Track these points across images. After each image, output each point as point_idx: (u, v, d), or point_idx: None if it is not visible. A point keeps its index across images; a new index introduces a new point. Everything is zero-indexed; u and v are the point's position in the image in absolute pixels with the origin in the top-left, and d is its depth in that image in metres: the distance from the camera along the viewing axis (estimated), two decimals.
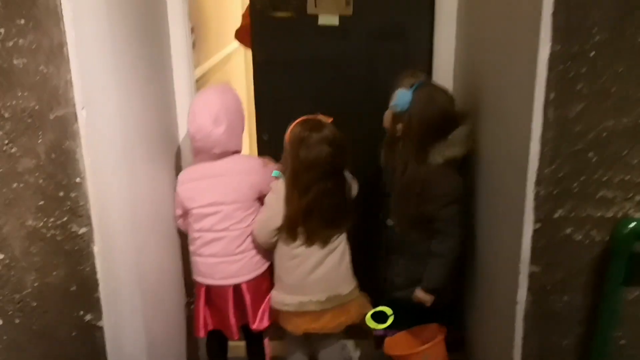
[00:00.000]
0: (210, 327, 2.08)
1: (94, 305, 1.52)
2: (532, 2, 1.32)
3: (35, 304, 1.49)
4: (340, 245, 1.98)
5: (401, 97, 1.88)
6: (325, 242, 1.95)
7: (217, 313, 2.06)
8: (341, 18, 2.24)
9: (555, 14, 1.28)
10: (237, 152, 2.04)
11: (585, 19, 1.28)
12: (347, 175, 2.00)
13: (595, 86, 1.32)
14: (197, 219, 1.99)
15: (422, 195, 1.88)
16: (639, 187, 1.38)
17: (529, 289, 1.48)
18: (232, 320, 2.03)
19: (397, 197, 1.98)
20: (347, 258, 2.02)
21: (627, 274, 1.41)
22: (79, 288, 1.51)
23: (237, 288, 2.01)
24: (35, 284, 1.48)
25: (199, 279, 2.05)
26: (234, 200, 1.97)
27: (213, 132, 1.91)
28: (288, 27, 2.26)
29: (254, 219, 2.00)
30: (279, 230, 1.95)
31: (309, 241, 1.94)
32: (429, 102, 1.86)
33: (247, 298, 2.02)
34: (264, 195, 2.01)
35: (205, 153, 1.97)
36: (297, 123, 1.94)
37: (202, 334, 2.07)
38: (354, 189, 2.03)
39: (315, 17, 2.24)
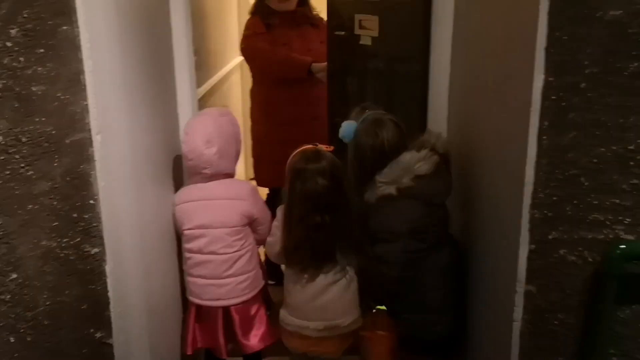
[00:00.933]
0: (198, 345, 2.09)
1: (105, 323, 1.56)
2: (527, 36, 1.38)
3: (47, 322, 1.52)
4: (346, 277, 1.94)
5: (345, 128, 1.88)
6: (314, 275, 1.90)
7: (207, 331, 2.08)
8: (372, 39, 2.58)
9: (548, 48, 1.34)
10: (229, 174, 2.07)
11: (576, 52, 1.35)
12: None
13: (586, 116, 1.38)
14: (187, 240, 2.03)
15: (361, 229, 1.87)
16: (628, 210, 1.43)
17: (525, 308, 1.51)
18: (221, 340, 2.05)
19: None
20: (353, 289, 1.96)
21: (619, 293, 1.45)
22: (91, 306, 1.54)
23: (226, 309, 2.04)
24: (48, 303, 1.51)
25: (190, 297, 2.08)
26: (222, 225, 1.99)
27: (205, 152, 1.95)
28: (344, 42, 2.74)
29: (243, 244, 2.02)
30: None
31: (303, 271, 1.92)
32: (368, 136, 1.84)
33: (236, 321, 2.04)
34: (255, 220, 2.04)
35: (198, 174, 2.01)
36: (297, 153, 1.93)
37: (189, 351, 2.08)
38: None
39: (359, 37, 2.64)
